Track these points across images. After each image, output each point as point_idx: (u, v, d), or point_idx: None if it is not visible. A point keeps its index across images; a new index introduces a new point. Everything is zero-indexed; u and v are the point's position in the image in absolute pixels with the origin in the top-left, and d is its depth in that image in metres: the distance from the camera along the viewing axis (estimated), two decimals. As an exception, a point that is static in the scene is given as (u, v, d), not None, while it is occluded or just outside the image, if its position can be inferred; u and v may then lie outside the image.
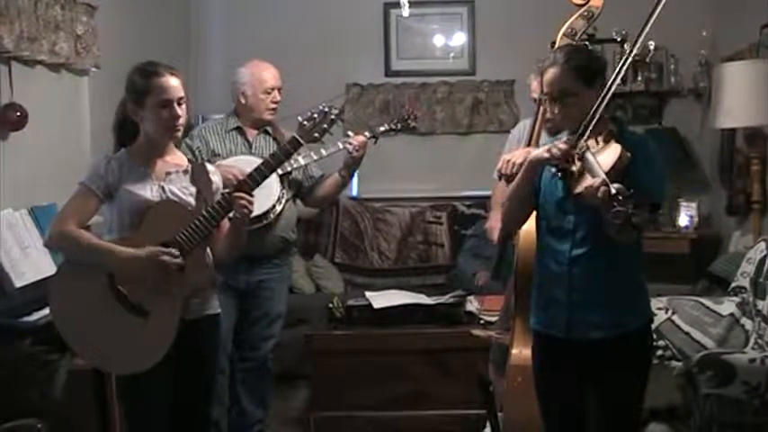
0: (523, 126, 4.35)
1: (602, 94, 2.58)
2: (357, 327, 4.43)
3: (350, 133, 3.83)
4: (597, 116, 2.56)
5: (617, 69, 2.61)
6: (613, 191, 2.32)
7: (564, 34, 3.43)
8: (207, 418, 3.09)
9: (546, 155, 2.59)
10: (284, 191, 3.82)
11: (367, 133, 3.86)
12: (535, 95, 3.95)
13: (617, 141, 2.55)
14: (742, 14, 5.24)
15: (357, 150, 3.78)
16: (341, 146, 3.77)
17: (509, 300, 3.74)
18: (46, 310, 3.09)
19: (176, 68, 2.92)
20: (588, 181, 2.45)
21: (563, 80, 2.64)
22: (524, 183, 2.71)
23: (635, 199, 2.30)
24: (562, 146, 2.56)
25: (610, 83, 2.59)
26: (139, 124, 2.88)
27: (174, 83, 2.85)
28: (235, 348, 3.98)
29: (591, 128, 2.56)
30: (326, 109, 3.38)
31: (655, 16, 2.61)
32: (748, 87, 4.40)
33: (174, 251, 2.77)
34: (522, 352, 3.21)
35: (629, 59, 2.62)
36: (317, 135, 3.37)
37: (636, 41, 2.63)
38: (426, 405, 4.35)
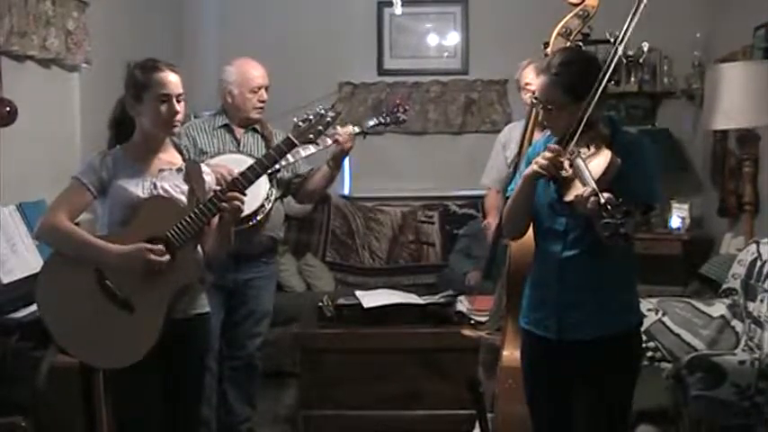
0: (509, 130, 4.34)
1: (585, 108, 2.53)
2: (347, 326, 4.42)
3: (338, 128, 3.78)
4: (580, 128, 2.53)
5: (600, 77, 2.54)
6: (603, 201, 2.31)
7: (558, 34, 3.41)
8: (196, 417, 3.09)
9: (535, 167, 2.57)
10: (272, 190, 3.80)
11: (356, 128, 3.82)
12: (531, 88, 3.94)
13: (609, 146, 2.54)
14: (735, 16, 5.25)
15: (345, 143, 3.75)
16: (329, 141, 3.73)
17: (499, 301, 3.73)
18: (33, 307, 3.07)
19: (176, 65, 2.91)
20: (579, 189, 2.44)
21: (550, 92, 2.62)
22: (522, 196, 2.69)
23: (625, 207, 2.28)
24: (547, 154, 2.54)
25: (591, 96, 2.52)
26: (136, 121, 2.88)
27: (173, 79, 2.85)
28: (222, 347, 3.96)
29: (576, 137, 2.54)
30: (322, 111, 3.36)
31: (636, 17, 2.57)
32: (741, 89, 4.40)
33: (161, 248, 2.75)
34: (513, 354, 3.20)
35: (612, 65, 2.57)
36: (311, 136, 3.35)
37: (614, 52, 2.58)
38: (416, 405, 4.35)
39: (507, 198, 2.91)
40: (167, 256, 2.76)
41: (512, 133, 4.25)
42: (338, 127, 3.75)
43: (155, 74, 2.83)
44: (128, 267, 2.74)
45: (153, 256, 2.74)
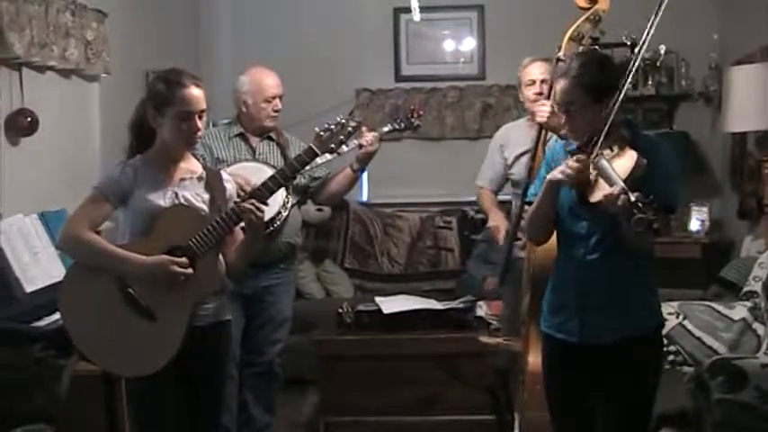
0: (505, 130, 4.32)
1: (610, 110, 2.55)
2: (367, 332, 4.43)
3: (364, 130, 3.75)
4: (605, 131, 2.55)
5: (624, 81, 2.57)
6: (633, 198, 2.32)
7: (570, 38, 3.43)
8: (217, 425, 3.10)
9: (560, 176, 2.59)
10: (289, 196, 3.82)
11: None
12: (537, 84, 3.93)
13: (632, 147, 2.55)
14: (752, 18, 5.22)
15: (371, 145, 3.76)
16: (345, 149, 3.73)
17: (509, 306, 3.73)
18: (56, 315, 3.10)
19: (199, 78, 2.90)
20: (606, 189, 2.45)
21: (570, 93, 2.64)
22: (546, 203, 2.71)
23: (655, 204, 2.29)
24: (573, 164, 2.55)
25: (616, 97, 2.55)
26: (157, 131, 2.88)
27: (196, 94, 2.83)
28: (242, 354, 3.97)
29: (601, 142, 2.55)
30: (344, 120, 3.38)
31: (656, 22, 2.58)
32: (759, 90, 4.39)
33: (184, 260, 2.77)
34: (538, 359, 3.18)
35: (634, 68, 2.59)
36: (333, 146, 3.38)
37: (639, 51, 2.59)
38: (436, 410, 4.35)
39: (528, 203, 2.93)
40: (190, 270, 2.77)
41: (509, 133, 4.25)
42: (364, 129, 3.75)
43: (178, 90, 2.81)
44: (151, 278, 2.76)
45: (176, 268, 2.75)
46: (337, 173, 3.99)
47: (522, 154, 4.07)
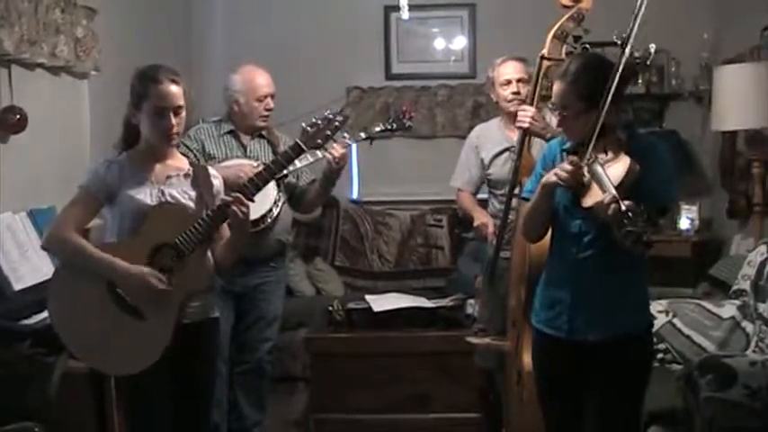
0: (480, 130, 4.31)
1: (598, 114, 2.53)
2: (357, 330, 4.43)
3: (343, 137, 3.74)
4: (596, 135, 2.54)
5: (609, 87, 2.54)
6: (623, 208, 2.31)
7: (554, 36, 3.43)
8: (207, 422, 3.10)
9: (554, 178, 2.59)
10: (281, 194, 3.81)
11: (362, 134, 3.82)
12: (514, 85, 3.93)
13: (627, 151, 2.55)
14: (743, 17, 5.24)
15: (337, 163, 3.70)
16: (320, 154, 3.68)
17: (499, 304, 3.72)
18: (45, 313, 3.08)
19: (178, 74, 2.90)
20: (598, 196, 2.45)
21: (565, 97, 2.65)
22: (541, 204, 2.72)
23: (646, 214, 2.29)
24: (568, 167, 2.55)
25: (602, 102, 2.53)
26: (140, 127, 2.88)
27: (172, 90, 2.82)
28: (232, 351, 3.97)
29: (592, 144, 2.54)
30: (330, 115, 3.37)
31: (638, 21, 2.57)
32: (749, 90, 4.39)
33: (162, 277, 2.76)
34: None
35: (620, 70, 2.57)
36: (319, 141, 3.36)
37: (621, 57, 2.58)
38: (426, 408, 4.35)
39: (525, 199, 2.93)
40: (164, 286, 2.76)
41: (483, 134, 4.24)
42: (335, 144, 3.68)
43: (153, 85, 2.81)
44: (134, 285, 2.76)
45: (154, 281, 2.74)
46: (314, 182, 3.97)
47: (499, 153, 4.08)
